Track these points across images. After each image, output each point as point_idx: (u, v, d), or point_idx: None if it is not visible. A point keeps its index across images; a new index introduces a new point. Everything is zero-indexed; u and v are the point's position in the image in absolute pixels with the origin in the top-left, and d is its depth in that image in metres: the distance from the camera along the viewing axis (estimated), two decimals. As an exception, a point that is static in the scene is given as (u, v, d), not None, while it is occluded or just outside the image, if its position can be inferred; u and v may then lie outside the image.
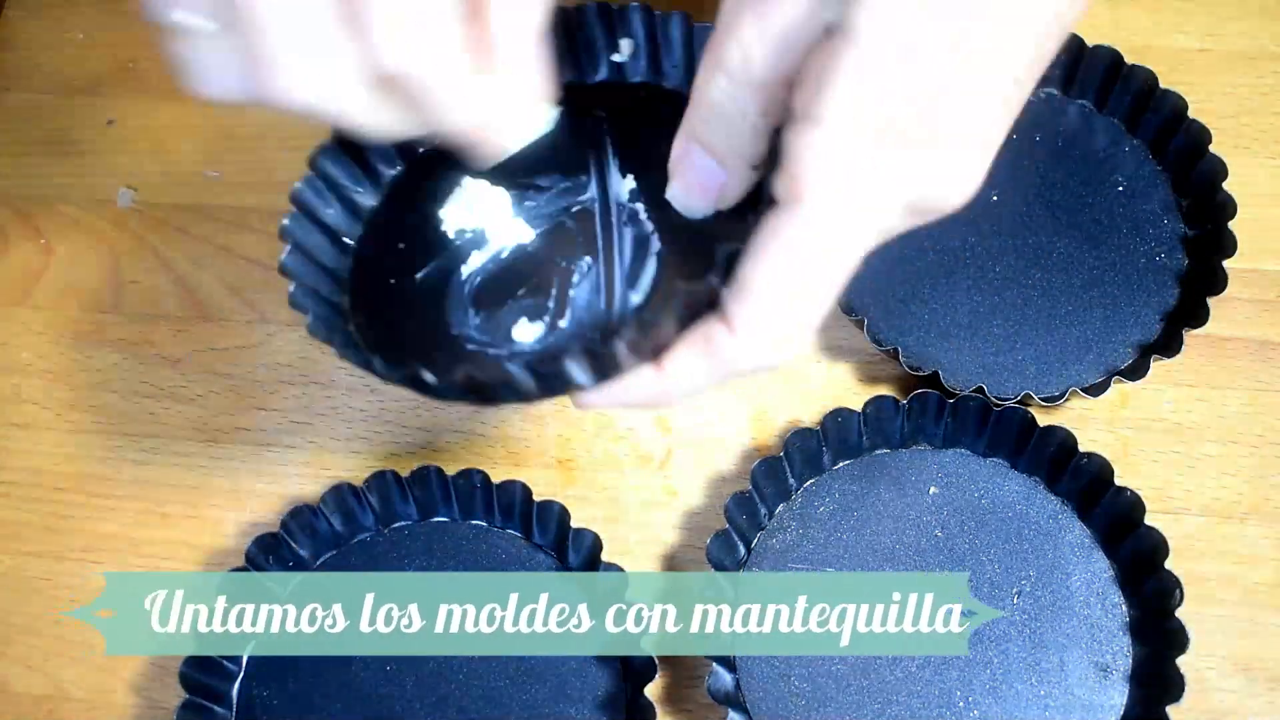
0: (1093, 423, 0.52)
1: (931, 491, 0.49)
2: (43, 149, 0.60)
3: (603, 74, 0.44)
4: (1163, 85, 0.54)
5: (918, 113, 0.32)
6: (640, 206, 0.41)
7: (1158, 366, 0.50)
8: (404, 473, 0.49)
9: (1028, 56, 0.33)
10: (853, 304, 0.52)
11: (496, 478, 0.49)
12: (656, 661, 0.45)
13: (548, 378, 0.35)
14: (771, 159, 0.35)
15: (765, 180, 0.35)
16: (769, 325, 0.34)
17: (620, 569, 0.47)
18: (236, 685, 0.48)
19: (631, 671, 0.47)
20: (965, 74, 0.32)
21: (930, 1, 0.31)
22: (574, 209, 0.41)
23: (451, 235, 0.42)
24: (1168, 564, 0.46)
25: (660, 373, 0.36)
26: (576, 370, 0.35)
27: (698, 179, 0.37)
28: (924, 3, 0.31)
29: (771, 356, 0.34)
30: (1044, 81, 0.56)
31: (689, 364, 0.35)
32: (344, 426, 0.53)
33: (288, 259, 0.41)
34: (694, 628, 0.47)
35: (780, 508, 0.49)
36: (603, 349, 0.35)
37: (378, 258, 0.43)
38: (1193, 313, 0.50)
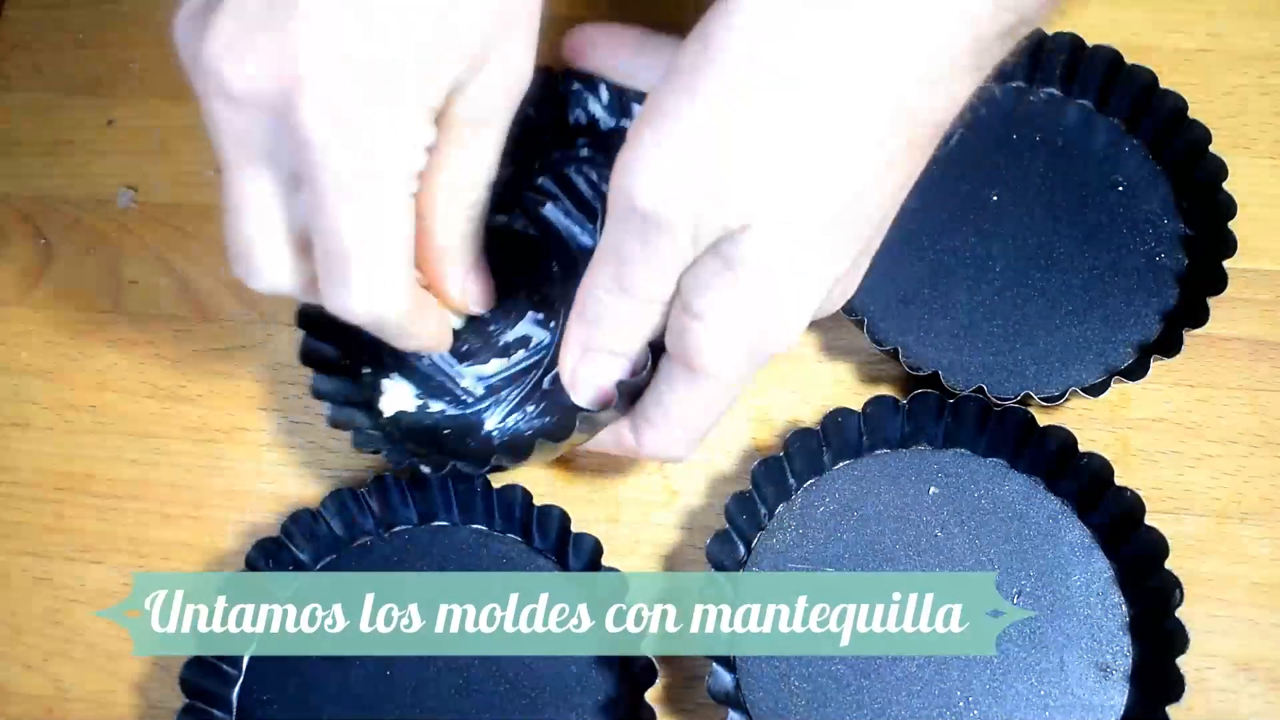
0: (1093, 423, 0.52)
1: (931, 491, 0.49)
2: (43, 149, 0.60)
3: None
4: (1163, 85, 0.54)
5: (770, 308, 0.40)
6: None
7: (1158, 366, 0.50)
8: (404, 476, 0.49)
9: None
10: (853, 304, 0.52)
11: (496, 479, 0.49)
12: (657, 665, 0.45)
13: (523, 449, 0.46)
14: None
15: None
16: (665, 444, 0.44)
17: (620, 572, 0.47)
18: (237, 689, 0.48)
19: (631, 674, 0.47)
20: (817, 265, 0.40)
21: (801, 230, 0.38)
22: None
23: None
24: (1168, 564, 0.46)
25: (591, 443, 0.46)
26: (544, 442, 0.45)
27: (604, 379, 0.43)
28: (800, 245, 0.39)
29: (668, 457, 0.45)
30: (1044, 81, 0.56)
31: (610, 442, 0.46)
32: (344, 427, 0.53)
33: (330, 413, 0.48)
34: (694, 628, 0.47)
35: (780, 508, 0.49)
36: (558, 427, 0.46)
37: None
38: (1193, 313, 0.50)
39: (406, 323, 0.43)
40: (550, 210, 0.53)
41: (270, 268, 0.41)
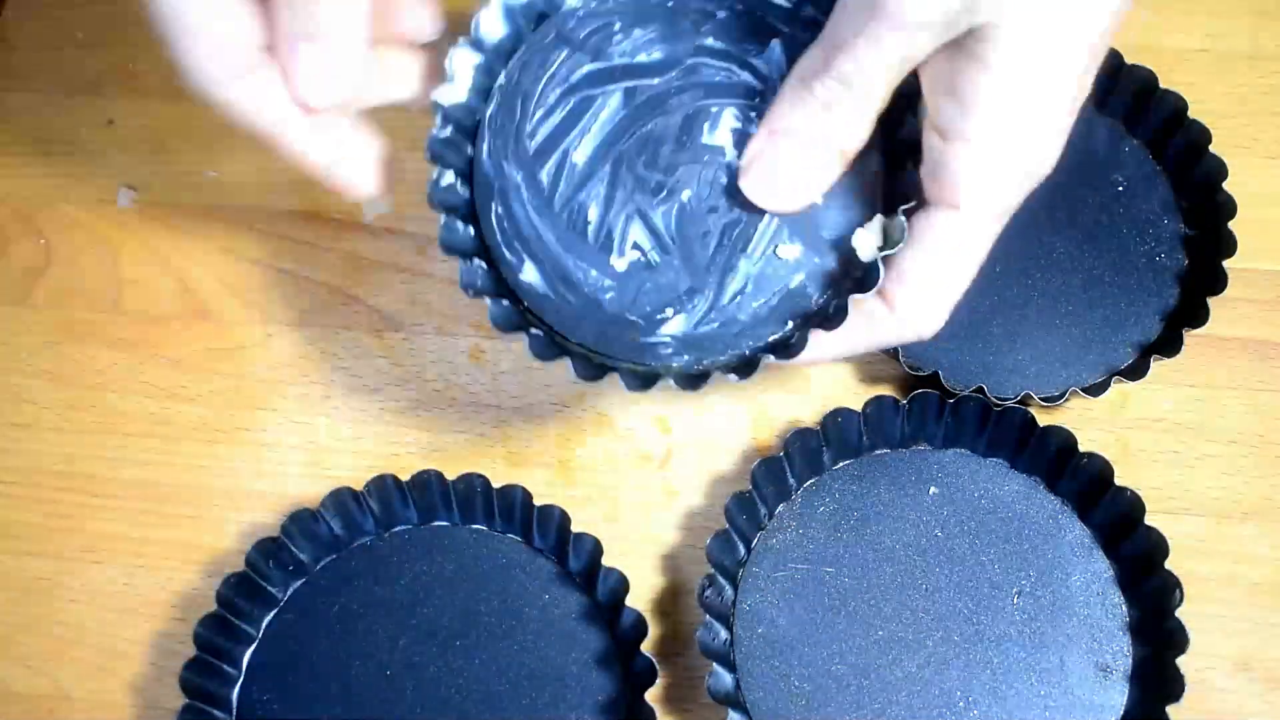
0: (1093, 423, 0.52)
1: (931, 491, 0.49)
2: (43, 149, 0.60)
3: None
4: (1163, 85, 0.54)
5: (1040, 121, 0.36)
6: None
7: (1158, 366, 0.50)
8: (404, 475, 0.49)
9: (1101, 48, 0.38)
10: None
11: (497, 478, 0.49)
12: (657, 665, 0.45)
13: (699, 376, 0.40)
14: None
15: None
16: (922, 307, 0.40)
17: (620, 572, 0.47)
18: (237, 689, 0.48)
19: (631, 674, 0.47)
20: (1073, 77, 0.37)
21: (1055, 27, 0.35)
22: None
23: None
24: (1168, 564, 0.46)
25: (821, 337, 0.40)
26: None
27: (787, 171, 0.38)
28: (1051, 27, 0.35)
29: (920, 332, 0.40)
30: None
31: (851, 334, 0.40)
32: (344, 427, 0.53)
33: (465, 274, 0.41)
34: (694, 628, 0.47)
35: (780, 508, 0.49)
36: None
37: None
38: (1193, 313, 0.50)
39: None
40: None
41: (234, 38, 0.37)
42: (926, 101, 0.37)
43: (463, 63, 0.42)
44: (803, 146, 0.38)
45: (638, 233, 0.40)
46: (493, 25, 0.43)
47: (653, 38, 0.41)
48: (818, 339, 0.39)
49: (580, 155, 0.40)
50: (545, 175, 0.40)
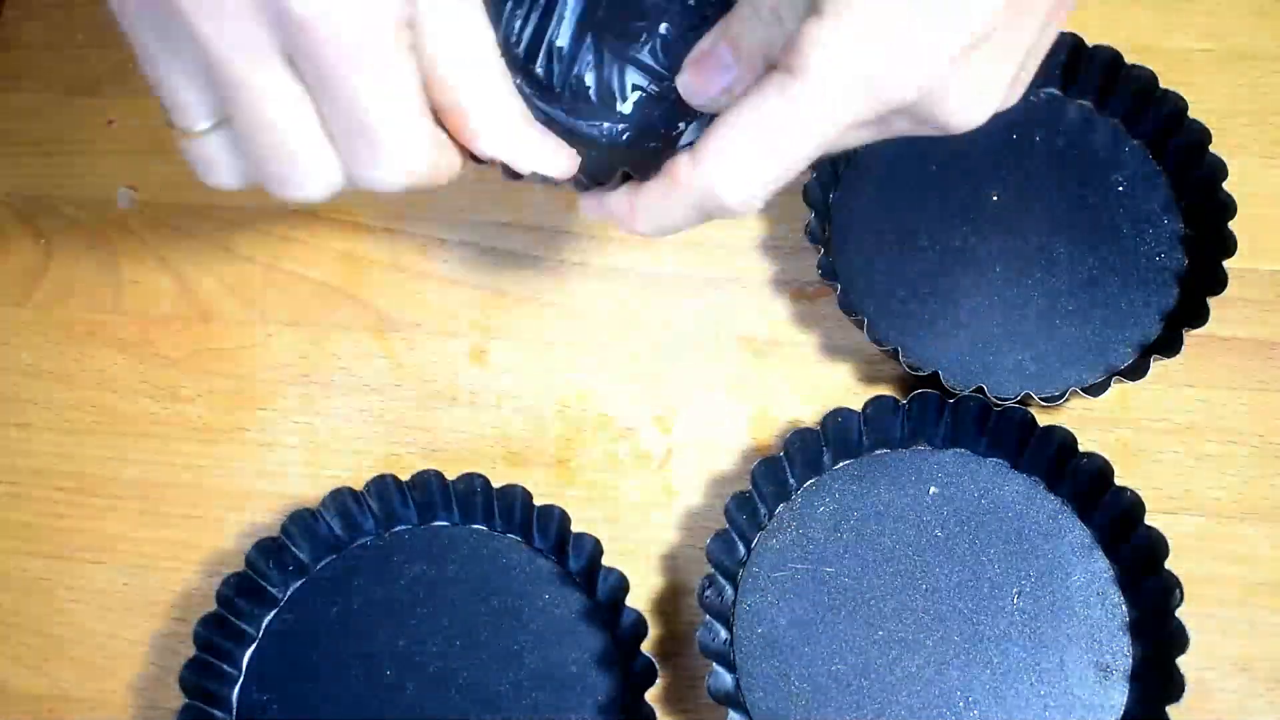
0: (1093, 423, 0.52)
1: (931, 491, 0.49)
2: (43, 149, 0.60)
3: None
4: (1163, 85, 0.54)
5: (929, 23, 0.34)
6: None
7: (1158, 366, 0.50)
8: (404, 475, 0.49)
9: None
10: (853, 304, 0.52)
11: (496, 478, 0.49)
12: (657, 665, 0.45)
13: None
14: None
15: None
16: (730, 163, 0.36)
17: (620, 572, 0.47)
18: (237, 689, 0.48)
19: (631, 674, 0.47)
20: None
21: None
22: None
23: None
24: (1168, 564, 0.46)
25: (635, 195, 0.38)
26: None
27: (714, 73, 0.39)
28: None
29: (722, 193, 0.36)
30: (1044, 81, 0.56)
31: (656, 189, 0.38)
32: (344, 426, 0.53)
33: None
34: (694, 628, 0.47)
35: (780, 508, 0.49)
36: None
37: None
38: (1193, 313, 0.50)
39: (437, 173, 0.39)
40: None
41: (322, 165, 0.37)
42: None
43: None
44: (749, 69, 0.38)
45: (633, 76, 0.44)
46: None
47: None
48: (629, 192, 0.39)
49: (563, 39, 0.43)
50: (539, 69, 0.43)
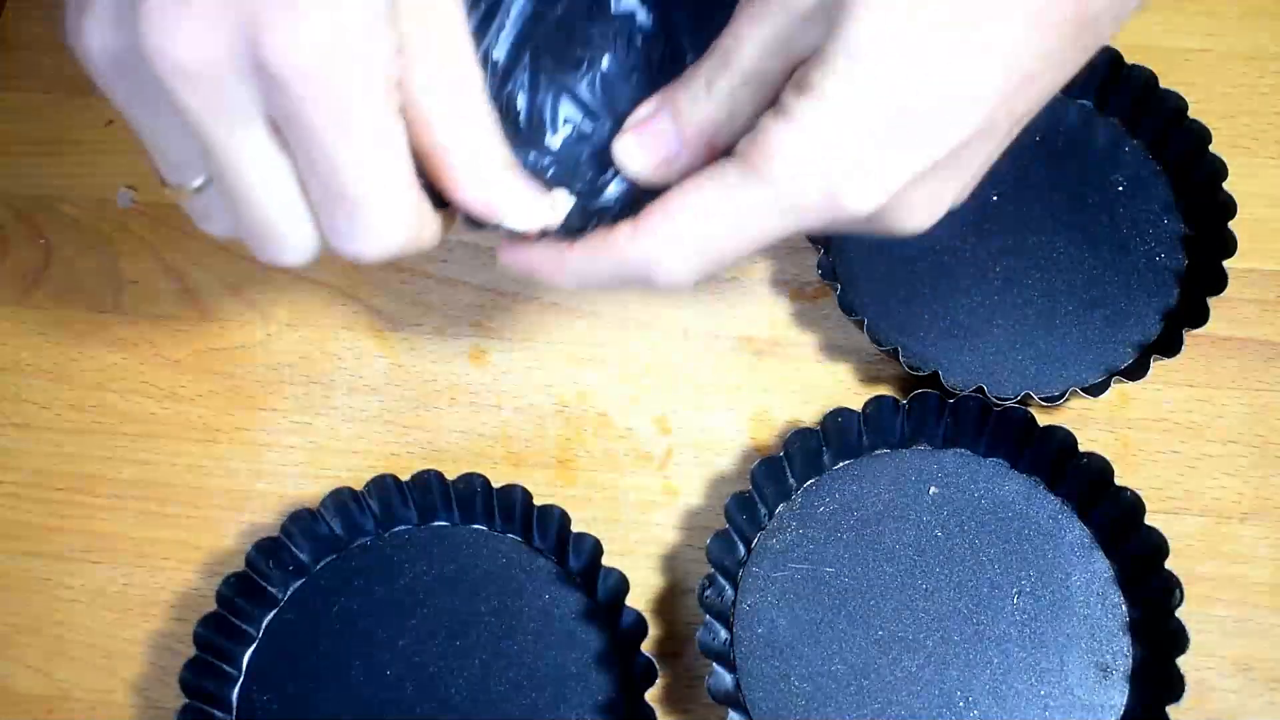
0: (1093, 423, 0.52)
1: (931, 491, 0.49)
2: (43, 149, 0.60)
3: None
4: (1163, 85, 0.54)
5: (899, 140, 0.34)
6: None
7: (1158, 366, 0.50)
8: (404, 475, 0.49)
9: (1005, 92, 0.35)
10: (853, 304, 0.52)
11: (496, 478, 0.49)
12: (657, 665, 0.45)
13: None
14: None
15: None
16: (674, 246, 0.36)
17: (620, 572, 0.47)
18: (237, 689, 0.48)
19: (631, 674, 0.47)
20: (935, 110, 0.34)
21: (911, 39, 0.33)
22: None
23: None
24: (1168, 564, 0.46)
25: (566, 251, 0.38)
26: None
27: (656, 143, 0.38)
28: (903, 44, 0.33)
29: (656, 272, 0.36)
30: (1044, 81, 0.56)
31: (589, 250, 0.37)
32: (344, 426, 0.53)
33: None
34: (694, 628, 0.47)
35: (780, 508, 0.49)
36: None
37: None
38: (1193, 313, 0.50)
39: (418, 245, 0.37)
40: None
41: (299, 235, 0.36)
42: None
43: None
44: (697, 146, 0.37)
45: (567, 108, 0.41)
46: None
47: None
48: (558, 250, 0.38)
49: (500, 52, 0.41)
50: None
